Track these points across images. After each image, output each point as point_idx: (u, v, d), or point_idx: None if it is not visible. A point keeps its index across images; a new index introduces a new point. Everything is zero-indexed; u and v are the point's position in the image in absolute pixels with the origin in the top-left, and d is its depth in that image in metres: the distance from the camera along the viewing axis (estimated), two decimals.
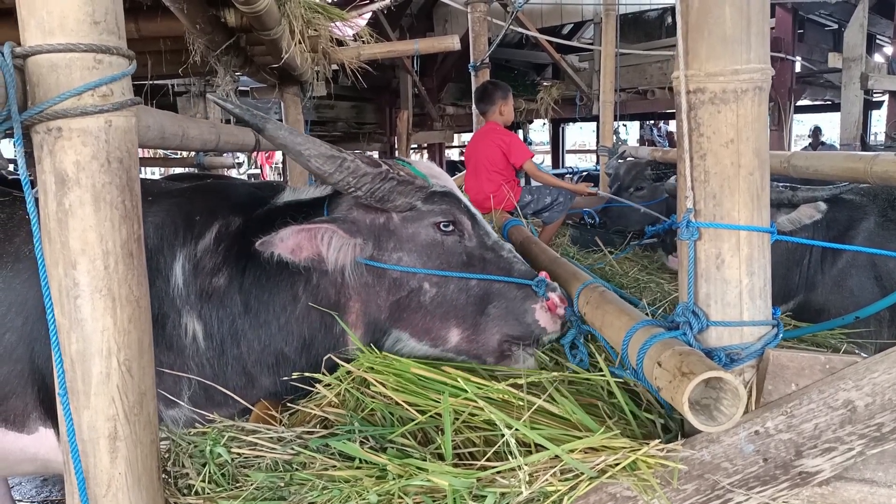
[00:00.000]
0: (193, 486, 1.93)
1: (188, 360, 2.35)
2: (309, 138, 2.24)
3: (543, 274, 2.56)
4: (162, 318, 2.34)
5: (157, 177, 10.35)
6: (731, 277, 1.78)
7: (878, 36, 14.80)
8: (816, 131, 15.95)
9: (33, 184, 1.56)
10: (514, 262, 2.58)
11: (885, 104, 13.36)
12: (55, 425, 2.31)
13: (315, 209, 2.52)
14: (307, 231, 2.28)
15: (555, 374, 2.22)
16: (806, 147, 16.38)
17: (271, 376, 2.42)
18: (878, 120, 16.66)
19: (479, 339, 2.47)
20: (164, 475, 1.90)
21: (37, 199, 1.55)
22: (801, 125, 22.41)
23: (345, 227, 2.33)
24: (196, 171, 7.58)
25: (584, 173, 11.68)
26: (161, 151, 12.35)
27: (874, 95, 12.79)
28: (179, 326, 2.35)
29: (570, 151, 22.86)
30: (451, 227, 2.46)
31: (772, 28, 11.05)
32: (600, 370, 2.16)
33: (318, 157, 2.22)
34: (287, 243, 2.26)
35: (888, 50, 14.09)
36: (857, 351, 2.95)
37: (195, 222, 2.46)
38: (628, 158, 7.41)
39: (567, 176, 10.97)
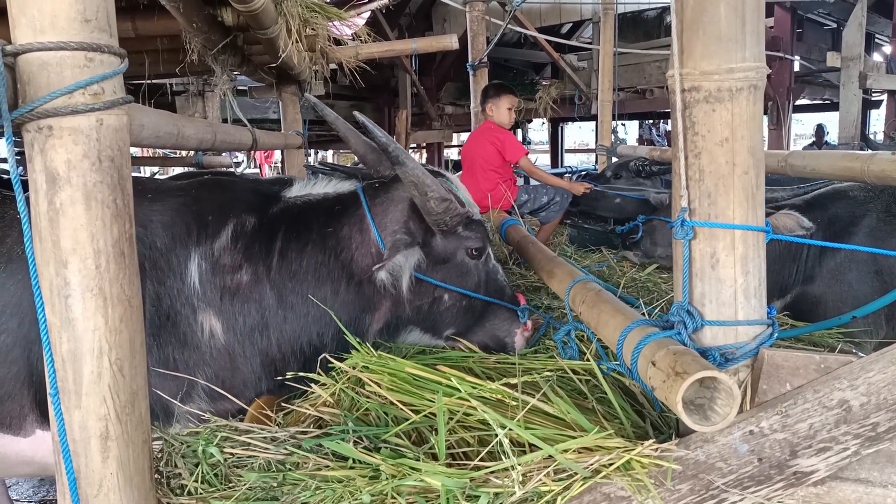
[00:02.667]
0: (186, 486, 1.92)
1: (204, 356, 2.41)
2: (435, 181, 2.46)
3: (523, 301, 2.89)
4: (174, 316, 2.38)
5: (157, 176, 10.35)
6: (726, 276, 1.77)
7: (876, 35, 14.81)
8: (820, 129, 15.86)
9: (24, 184, 1.56)
10: (505, 286, 2.92)
11: (884, 103, 13.36)
12: None
13: (344, 205, 2.64)
14: (409, 253, 2.53)
15: (547, 360, 2.24)
16: (810, 146, 16.31)
17: (299, 363, 2.51)
18: (878, 119, 16.65)
19: (470, 339, 2.80)
20: (156, 475, 1.89)
21: (27, 198, 1.55)
22: (801, 125, 22.42)
23: (419, 246, 2.58)
24: (194, 170, 7.58)
25: (584, 172, 11.68)
26: (160, 151, 12.35)
27: (873, 95, 12.77)
28: (195, 323, 2.41)
29: (568, 151, 22.83)
30: (477, 253, 2.73)
31: (770, 27, 11.07)
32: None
33: (437, 199, 2.45)
34: (394, 264, 2.52)
35: (887, 49, 14.09)
36: (853, 350, 2.94)
37: (208, 222, 2.52)
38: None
39: (566, 175, 10.96)
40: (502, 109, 5.64)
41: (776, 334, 1.80)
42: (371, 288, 2.56)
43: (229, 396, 2.36)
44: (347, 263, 2.54)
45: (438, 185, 2.45)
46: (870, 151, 3.20)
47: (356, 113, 2.60)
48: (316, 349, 2.50)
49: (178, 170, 9.21)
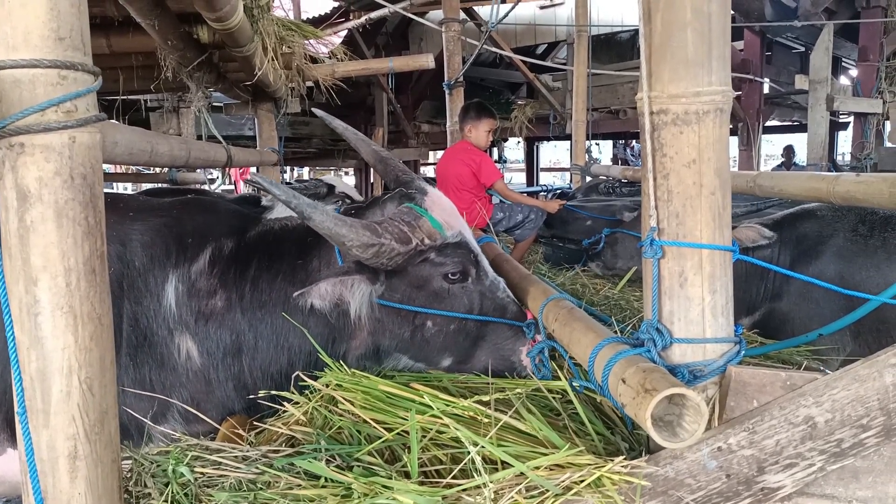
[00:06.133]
0: None
1: (181, 378, 2.40)
2: (353, 228, 2.30)
3: (530, 315, 2.69)
4: (151, 337, 2.37)
5: (129, 192, 10.24)
6: (694, 295, 1.80)
7: (843, 59, 15.16)
8: (789, 150, 16.14)
9: None
10: (508, 302, 2.73)
11: (851, 125, 13.65)
12: None
13: (317, 235, 2.50)
14: (340, 282, 2.41)
15: (518, 382, 2.24)
16: (779, 166, 16.61)
17: (270, 389, 2.48)
18: (845, 140, 17.00)
19: (469, 366, 2.68)
20: (125, 495, 1.87)
21: None
22: (771, 145, 22.84)
23: (369, 276, 2.45)
24: (169, 187, 7.54)
25: (558, 191, 11.79)
26: (133, 167, 12.25)
27: (840, 117, 13.05)
28: (172, 345, 2.40)
29: (544, 170, 23.04)
30: (458, 276, 2.59)
31: (740, 50, 11.29)
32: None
33: (359, 247, 2.32)
34: (321, 292, 2.38)
35: (853, 72, 14.42)
36: (820, 367, 2.99)
37: (187, 245, 2.50)
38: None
39: (541, 194, 11.07)
40: (481, 132, 5.66)
41: (743, 352, 1.83)
42: (342, 319, 2.49)
43: (204, 418, 2.35)
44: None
45: (360, 231, 2.30)
46: (835, 173, 3.27)
47: (253, 173, 2.53)
48: (287, 376, 2.48)
49: (149, 186, 9.14)
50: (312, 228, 2.41)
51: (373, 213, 2.66)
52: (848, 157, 14.81)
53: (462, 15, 8.72)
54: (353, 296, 2.44)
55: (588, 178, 8.38)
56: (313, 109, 3.37)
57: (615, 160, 20.27)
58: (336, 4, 12.11)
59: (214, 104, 7.81)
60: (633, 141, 20.07)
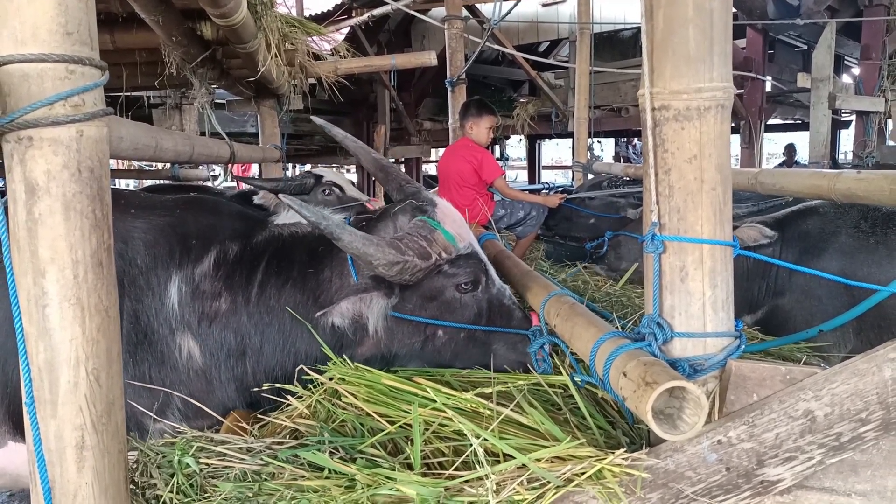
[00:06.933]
0: (161, 496, 1.92)
1: (181, 376, 2.42)
2: (379, 247, 2.34)
3: (535, 320, 2.69)
4: (152, 335, 2.38)
5: (131, 188, 10.24)
6: (695, 290, 1.82)
7: (845, 57, 15.13)
8: (791, 149, 16.13)
9: (1, 194, 1.57)
10: (514, 309, 2.77)
11: (853, 124, 13.64)
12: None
13: (328, 244, 2.50)
14: (360, 299, 2.44)
15: (520, 376, 2.26)
16: (781, 164, 16.59)
17: (274, 391, 2.48)
18: (847, 139, 16.99)
19: (480, 366, 2.68)
20: (131, 486, 1.89)
21: (6, 208, 1.55)
22: (773, 144, 22.83)
23: (385, 291, 2.48)
24: (171, 183, 7.55)
25: (560, 189, 11.80)
26: (136, 163, 12.26)
27: (842, 115, 13.03)
28: (173, 344, 2.41)
29: (546, 167, 23.05)
30: (469, 286, 2.63)
31: (743, 48, 11.27)
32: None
33: (385, 265, 2.35)
34: (342, 311, 2.40)
35: (856, 71, 14.41)
36: (820, 363, 3.01)
37: (191, 246, 2.51)
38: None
39: (543, 191, 11.07)
40: (482, 129, 5.67)
41: (743, 346, 1.85)
42: (351, 329, 2.50)
43: (207, 410, 2.37)
44: (326, 307, 2.45)
45: (386, 250, 2.34)
46: (836, 171, 3.28)
47: (283, 196, 2.54)
48: (290, 380, 2.49)
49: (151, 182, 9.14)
50: (325, 238, 2.41)
51: (385, 226, 2.66)
52: (850, 156, 14.80)
53: (464, 12, 8.74)
54: (371, 311, 2.46)
55: (590, 176, 8.38)
56: (312, 118, 3.38)
57: (617, 158, 20.28)
58: (339, 1, 12.10)
59: (217, 101, 7.83)
60: (636, 139, 20.07)
